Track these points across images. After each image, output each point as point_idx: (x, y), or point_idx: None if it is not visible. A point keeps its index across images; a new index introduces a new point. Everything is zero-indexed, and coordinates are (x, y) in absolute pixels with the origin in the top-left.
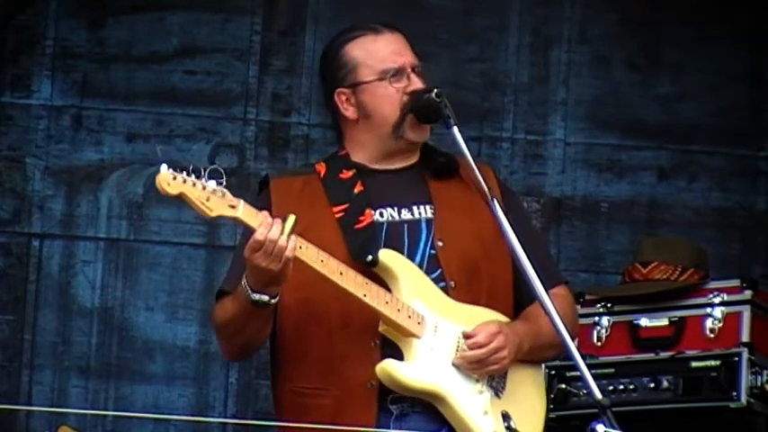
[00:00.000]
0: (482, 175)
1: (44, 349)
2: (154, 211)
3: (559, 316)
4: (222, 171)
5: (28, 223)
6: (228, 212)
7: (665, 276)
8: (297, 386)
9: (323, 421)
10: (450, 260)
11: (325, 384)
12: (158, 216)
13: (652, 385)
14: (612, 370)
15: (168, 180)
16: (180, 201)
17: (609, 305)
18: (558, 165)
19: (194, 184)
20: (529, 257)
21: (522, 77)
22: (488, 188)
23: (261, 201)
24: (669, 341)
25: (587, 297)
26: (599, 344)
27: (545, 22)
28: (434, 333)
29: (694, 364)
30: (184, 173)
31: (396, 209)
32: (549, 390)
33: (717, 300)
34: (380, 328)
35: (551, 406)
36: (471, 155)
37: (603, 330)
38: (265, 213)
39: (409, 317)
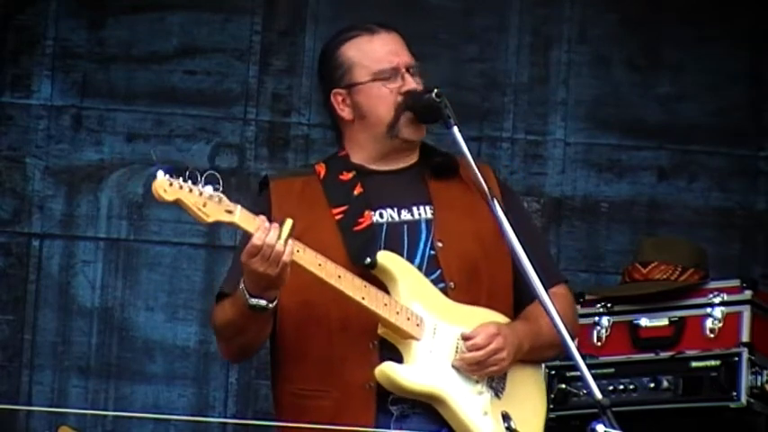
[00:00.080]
0: (482, 175)
1: (44, 349)
2: (154, 211)
3: (559, 315)
4: (219, 176)
5: (28, 223)
6: (225, 218)
7: (665, 276)
8: (297, 388)
9: (322, 422)
10: (450, 261)
11: (324, 386)
12: (158, 216)
13: (652, 385)
14: (612, 370)
15: (164, 186)
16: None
17: (609, 305)
18: (557, 165)
19: (191, 190)
20: (529, 257)
21: (522, 77)
22: (488, 188)
23: (261, 202)
24: (669, 341)
25: (587, 297)
26: (599, 344)
27: (545, 22)
28: (433, 335)
29: (694, 364)
30: (181, 179)
31: (395, 209)
32: (549, 390)
33: (717, 300)
34: (379, 331)
35: (551, 406)
36: (471, 155)
37: (603, 330)
38: (263, 218)
39: (408, 319)
